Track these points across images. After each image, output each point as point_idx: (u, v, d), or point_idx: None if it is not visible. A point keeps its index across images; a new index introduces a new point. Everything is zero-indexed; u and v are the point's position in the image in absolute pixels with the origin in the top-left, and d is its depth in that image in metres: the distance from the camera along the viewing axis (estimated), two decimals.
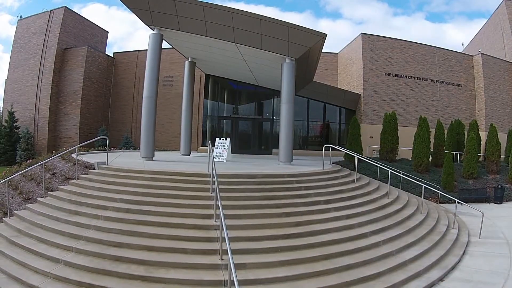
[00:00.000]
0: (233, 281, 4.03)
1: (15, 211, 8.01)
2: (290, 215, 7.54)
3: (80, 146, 10.90)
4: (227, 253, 4.49)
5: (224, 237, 4.70)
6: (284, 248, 6.30)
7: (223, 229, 5.00)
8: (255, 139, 21.40)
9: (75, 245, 6.19)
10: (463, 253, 8.04)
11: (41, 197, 8.53)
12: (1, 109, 29.00)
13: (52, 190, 8.82)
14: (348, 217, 7.97)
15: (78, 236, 6.49)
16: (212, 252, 5.97)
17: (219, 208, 5.71)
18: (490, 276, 6.81)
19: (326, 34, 11.68)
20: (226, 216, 5.17)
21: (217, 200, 6.04)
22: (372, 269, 6.17)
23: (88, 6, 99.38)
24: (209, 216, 7.01)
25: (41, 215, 7.62)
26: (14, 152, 24.14)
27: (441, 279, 6.57)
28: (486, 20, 31.73)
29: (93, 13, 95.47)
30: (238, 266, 4.28)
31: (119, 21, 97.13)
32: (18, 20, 28.42)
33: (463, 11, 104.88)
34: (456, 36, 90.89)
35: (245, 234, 6.53)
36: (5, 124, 25.45)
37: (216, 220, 6.69)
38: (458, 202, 10.68)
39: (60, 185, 9.00)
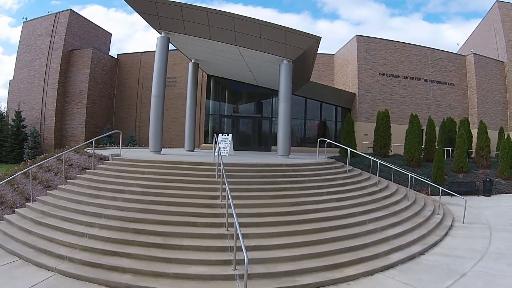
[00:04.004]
0: (239, 247, 4.88)
1: (37, 197, 8.76)
2: (287, 197, 8.40)
3: (94, 140, 11.67)
4: (233, 226, 5.36)
5: (232, 213, 5.53)
6: (282, 222, 7.17)
7: (230, 206, 5.81)
8: (255, 137, 22.13)
9: (98, 222, 7.01)
10: (445, 234, 8.74)
11: (61, 185, 9.31)
12: (4, 109, 29.71)
13: (70, 179, 9.61)
14: (338, 200, 8.84)
15: (100, 214, 7.30)
16: (219, 225, 6.86)
17: (225, 191, 6.50)
18: (468, 253, 7.47)
19: (320, 37, 12.47)
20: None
21: (223, 184, 6.82)
22: (358, 241, 7.03)
23: (87, 8, 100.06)
24: (215, 197, 7.87)
25: (62, 199, 8.41)
26: (22, 150, 24.87)
27: (421, 253, 7.33)
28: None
29: (92, 15, 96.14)
30: (242, 236, 5.16)
31: (118, 23, 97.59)
32: (24, 22, 29.19)
33: (460, 12, 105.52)
34: (453, 36, 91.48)
35: (248, 211, 7.39)
36: (12, 123, 26.20)
37: (222, 200, 7.55)
38: (442, 190, 11.50)
39: (78, 174, 9.81)
